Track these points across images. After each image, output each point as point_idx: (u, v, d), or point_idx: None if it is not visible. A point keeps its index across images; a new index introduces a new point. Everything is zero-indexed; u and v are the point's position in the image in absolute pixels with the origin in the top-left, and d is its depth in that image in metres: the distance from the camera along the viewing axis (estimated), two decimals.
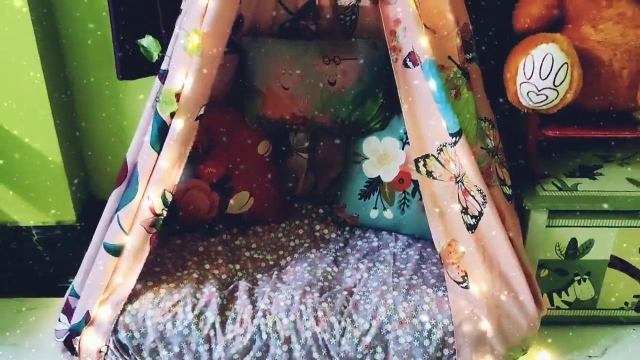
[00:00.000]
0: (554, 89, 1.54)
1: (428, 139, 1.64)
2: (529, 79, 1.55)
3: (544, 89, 1.55)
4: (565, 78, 1.53)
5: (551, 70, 1.52)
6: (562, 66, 1.52)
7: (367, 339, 1.61)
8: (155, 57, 1.63)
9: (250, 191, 1.96)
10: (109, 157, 2.18)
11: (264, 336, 1.62)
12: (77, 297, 1.64)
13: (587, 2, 1.68)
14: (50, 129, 1.93)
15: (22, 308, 2.03)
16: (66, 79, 2.05)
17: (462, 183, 1.61)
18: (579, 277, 1.85)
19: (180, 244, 1.92)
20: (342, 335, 1.61)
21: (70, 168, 2.04)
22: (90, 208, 2.17)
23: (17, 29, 1.80)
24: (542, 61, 1.52)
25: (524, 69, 1.56)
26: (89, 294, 1.60)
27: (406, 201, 1.89)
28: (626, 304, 1.89)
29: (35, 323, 1.99)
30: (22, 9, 1.78)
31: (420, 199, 1.83)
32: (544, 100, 1.57)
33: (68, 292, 1.68)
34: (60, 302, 1.98)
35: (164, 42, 1.66)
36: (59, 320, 1.66)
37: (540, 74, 1.53)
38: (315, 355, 1.62)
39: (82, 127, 2.12)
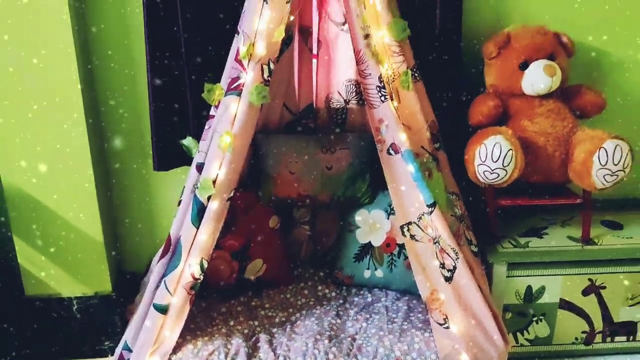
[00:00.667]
0: (503, 169, 2.00)
1: (410, 210, 2.06)
2: (484, 161, 2.01)
3: (495, 169, 2.00)
4: (511, 160, 1.99)
5: (500, 155, 1.98)
6: (508, 152, 1.98)
7: None
8: (195, 153, 2.07)
9: (263, 259, 2.33)
10: (138, 237, 2.55)
11: None
12: (130, 350, 1.96)
13: (524, 102, 2.18)
14: (95, 214, 2.29)
15: None
16: (109, 171, 2.45)
17: (439, 244, 2.03)
18: (536, 318, 2.24)
19: (206, 305, 2.26)
20: None
21: (109, 246, 2.38)
22: (121, 279, 2.51)
23: (74, 136, 2.22)
24: (493, 148, 1.99)
25: (479, 154, 2.02)
26: (141, 347, 1.93)
27: (394, 262, 2.29)
28: (576, 339, 2.28)
29: None
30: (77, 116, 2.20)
31: (405, 259, 2.23)
32: (497, 178, 2.03)
33: (121, 346, 1.99)
34: None
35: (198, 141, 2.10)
36: None
37: (492, 158, 1.99)
38: None
39: (118, 212, 2.50)
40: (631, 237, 2.25)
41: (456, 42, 2.23)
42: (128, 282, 2.51)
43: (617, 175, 2.01)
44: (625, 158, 1.99)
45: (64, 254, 2.32)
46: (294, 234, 2.51)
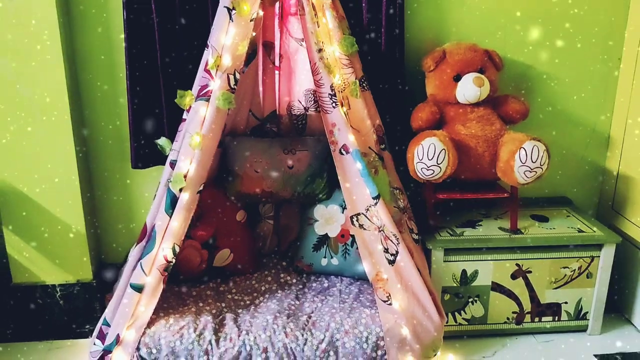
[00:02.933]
0: (437, 166, 2.30)
1: (358, 202, 2.35)
2: (421, 159, 2.31)
3: (431, 166, 2.31)
4: (444, 159, 2.29)
5: (434, 153, 2.29)
6: (441, 151, 2.28)
7: (323, 346, 2.22)
8: (168, 151, 2.34)
9: (231, 249, 2.60)
10: (119, 229, 2.79)
11: (248, 348, 2.21)
12: (109, 325, 2.21)
13: (458, 110, 2.49)
14: (79, 208, 2.54)
15: (50, 348, 2.53)
16: (90, 170, 2.70)
17: (383, 231, 2.32)
18: (471, 299, 2.53)
19: (179, 290, 2.51)
20: (304, 344, 2.23)
21: (90, 238, 2.63)
22: (101, 268, 2.75)
23: (60, 137, 2.48)
24: (428, 148, 2.29)
25: (417, 153, 2.32)
26: (119, 322, 2.18)
27: (347, 250, 2.56)
28: (508, 318, 2.57)
29: (61, 358, 2.49)
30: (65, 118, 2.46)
31: (357, 248, 2.52)
32: (432, 174, 2.33)
33: (101, 322, 2.23)
34: (80, 342, 2.55)
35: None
36: (94, 344, 2.21)
37: (427, 156, 2.30)
38: (285, 359, 2.23)
39: (98, 207, 2.75)
40: (554, 228, 2.56)
41: (399, 57, 2.54)
42: (108, 271, 2.75)
43: (536, 172, 2.32)
44: (542, 156, 2.30)
45: (49, 245, 2.56)
46: (260, 227, 2.78)
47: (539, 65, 2.73)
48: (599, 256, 2.49)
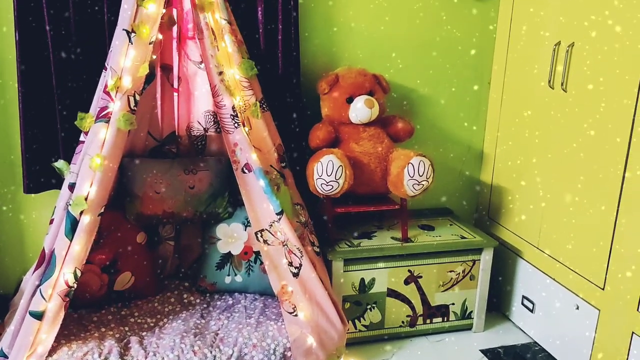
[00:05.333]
0: (336, 181, 2.46)
1: (262, 218, 2.43)
2: (321, 176, 2.46)
3: (330, 181, 2.46)
4: (341, 174, 2.45)
5: (333, 170, 2.44)
6: (339, 167, 2.44)
7: None
8: (67, 174, 2.29)
9: (132, 272, 2.57)
10: (7, 259, 2.65)
11: None
12: (6, 356, 2.10)
13: (351, 129, 2.67)
14: None
15: None
16: None
17: (287, 245, 2.42)
18: (369, 306, 2.69)
19: (78, 316, 2.44)
20: None
21: None
22: None
23: None
24: (327, 165, 2.44)
25: (317, 170, 2.46)
26: (18, 351, 2.08)
27: (251, 267, 2.63)
28: (403, 322, 2.76)
29: None
30: None
31: (261, 264, 2.59)
32: (331, 189, 2.48)
33: None
34: None
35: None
36: None
37: (326, 172, 2.45)
38: None
39: None
40: (440, 236, 2.81)
41: (296, 81, 2.69)
42: None
43: (423, 185, 2.55)
44: (428, 170, 2.53)
45: None
46: (160, 249, 2.77)
47: (419, 88, 3.00)
48: (480, 259, 2.76)
